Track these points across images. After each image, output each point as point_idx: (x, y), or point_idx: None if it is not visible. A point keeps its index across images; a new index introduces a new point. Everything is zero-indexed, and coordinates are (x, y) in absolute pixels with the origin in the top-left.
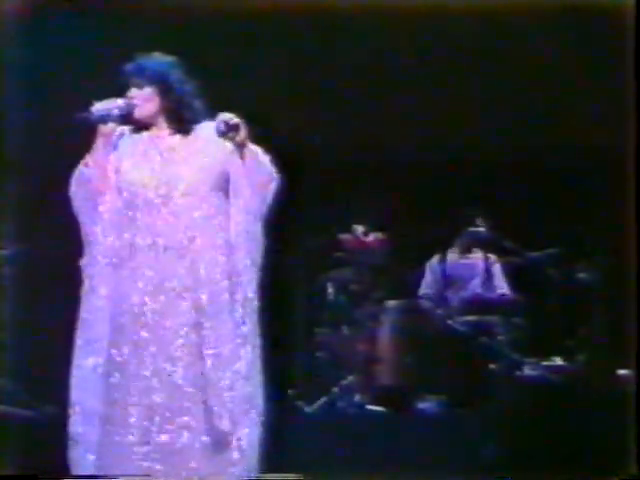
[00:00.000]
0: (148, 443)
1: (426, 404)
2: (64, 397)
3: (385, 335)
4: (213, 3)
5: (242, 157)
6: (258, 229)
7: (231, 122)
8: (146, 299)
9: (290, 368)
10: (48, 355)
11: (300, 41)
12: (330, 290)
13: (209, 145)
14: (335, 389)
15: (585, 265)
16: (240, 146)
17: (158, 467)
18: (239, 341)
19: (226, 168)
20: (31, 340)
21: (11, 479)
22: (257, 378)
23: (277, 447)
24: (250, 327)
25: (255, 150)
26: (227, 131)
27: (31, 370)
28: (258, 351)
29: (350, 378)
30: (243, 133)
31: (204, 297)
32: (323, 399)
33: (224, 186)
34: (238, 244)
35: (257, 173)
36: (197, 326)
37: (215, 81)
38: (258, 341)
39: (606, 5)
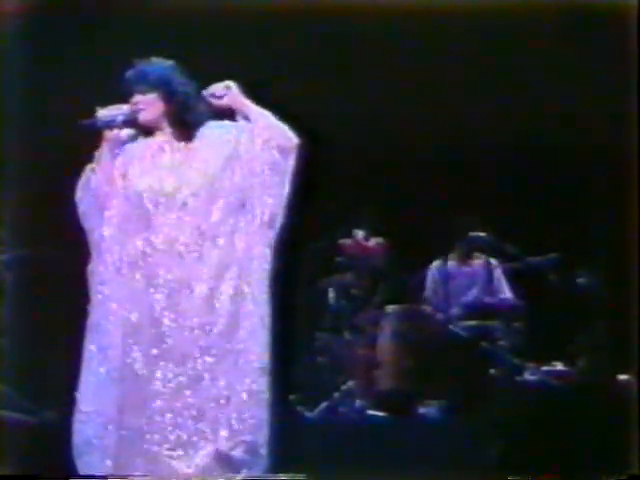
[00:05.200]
0: (167, 446)
1: (427, 409)
2: (64, 402)
3: (386, 340)
4: (214, 4)
5: (248, 118)
6: (278, 206)
7: (219, 87)
8: (161, 303)
9: (291, 373)
10: (48, 360)
11: (302, 44)
12: (331, 295)
13: (215, 146)
14: (336, 394)
15: (586, 270)
16: (239, 108)
17: (176, 469)
18: (256, 341)
19: (235, 162)
20: (31, 345)
21: (11, 479)
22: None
23: (278, 452)
24: (263, 323)
25: (261, 111)
26: (217, 96)
27: (31, 375)
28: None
29: (351, 383)
30: (233, 93)
31: (221, 298)
32: (324, 404)
33: (235, 183)
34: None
35: (269, 131)
36: (215, 327)
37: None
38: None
39: (608, 5)
